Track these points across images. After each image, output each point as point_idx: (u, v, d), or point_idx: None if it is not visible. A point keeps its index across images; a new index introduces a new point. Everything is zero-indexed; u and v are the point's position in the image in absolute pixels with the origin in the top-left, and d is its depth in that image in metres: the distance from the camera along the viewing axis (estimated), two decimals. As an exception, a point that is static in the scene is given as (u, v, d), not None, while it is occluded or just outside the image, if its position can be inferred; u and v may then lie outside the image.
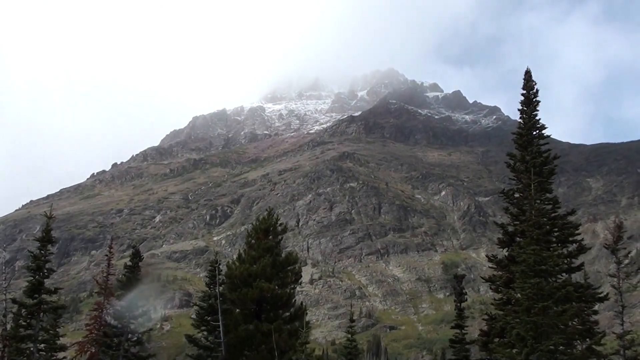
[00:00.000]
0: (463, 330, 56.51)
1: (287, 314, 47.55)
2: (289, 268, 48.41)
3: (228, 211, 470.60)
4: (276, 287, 46.23)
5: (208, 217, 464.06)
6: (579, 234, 48.11)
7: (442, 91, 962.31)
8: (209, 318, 45.06)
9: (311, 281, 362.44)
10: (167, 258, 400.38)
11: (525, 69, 51.08)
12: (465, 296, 58.07)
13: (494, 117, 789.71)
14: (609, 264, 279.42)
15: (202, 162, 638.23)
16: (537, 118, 49.98)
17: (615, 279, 55.93)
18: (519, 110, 50.80)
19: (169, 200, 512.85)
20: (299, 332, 40.38)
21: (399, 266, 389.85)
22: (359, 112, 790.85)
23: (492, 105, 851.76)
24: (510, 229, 49.42)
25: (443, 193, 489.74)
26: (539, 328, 36.56)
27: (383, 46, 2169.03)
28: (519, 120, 51.36)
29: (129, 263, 50.40)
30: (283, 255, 48.24)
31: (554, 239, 47.15)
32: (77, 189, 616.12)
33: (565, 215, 48.50)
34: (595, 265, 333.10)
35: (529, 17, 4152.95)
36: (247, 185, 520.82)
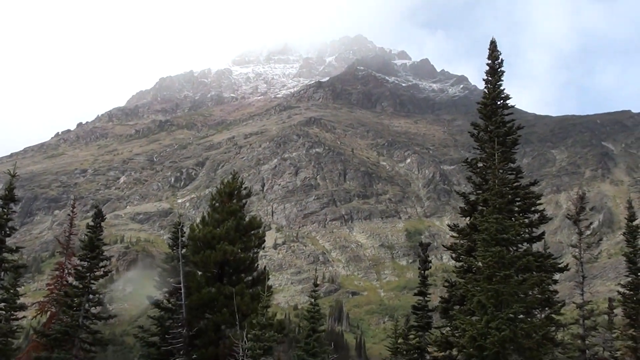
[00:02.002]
0: (426, 298, 56.99)
1: (250, 277, 47.59)
2: (252, 232, 48.38)
3: (193, 174, 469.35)
4: (239, 251, 46.15)
5: (173, 179, 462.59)
6: (540, 204, 48.43)
7: (410, 59, 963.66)
8: (171, 280, 45.00)
9: (275, 246, 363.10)
10: (130, 219, 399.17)
11: (491, 39, 51.13)
12: (430, 264, 58.41)
13: (461, 86, 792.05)
14: (571, 234, 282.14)
15: (167, 124, 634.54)
16: (501, 88, 49.93)
17: (576, 250, 56.57)
18: (484, 80, 50.80)
19: (133, 162, 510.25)
20: (261, 296, 40.43)
21: (363, 232, 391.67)
22: (327, 78, 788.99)
23: (460, 74, 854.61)
24: (472, 198, 49.60)
25: (408, 161, 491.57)
26: (500, 296, 36.82)
27: (354, 11, 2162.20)
28: (484, 90, 51.48)
29: (91, 223, 50.07)
30: (247, 219, 48.26)
31: (516, 209, 47.47)
32: (42, 148, 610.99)
33: (528, 185, 48.75)
34: (558, 235, 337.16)
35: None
36: (213, 148, 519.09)
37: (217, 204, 48.49)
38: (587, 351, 53.71)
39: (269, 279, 47.59)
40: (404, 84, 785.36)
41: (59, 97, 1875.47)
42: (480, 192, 47.95)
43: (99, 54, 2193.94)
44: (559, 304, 43.50)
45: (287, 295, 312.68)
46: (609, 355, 58.34)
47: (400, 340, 59.21)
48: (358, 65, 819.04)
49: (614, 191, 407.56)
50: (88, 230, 49.66)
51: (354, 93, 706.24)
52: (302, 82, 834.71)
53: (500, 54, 50.73)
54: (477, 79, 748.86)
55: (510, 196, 46.46)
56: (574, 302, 57.35)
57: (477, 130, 50.65)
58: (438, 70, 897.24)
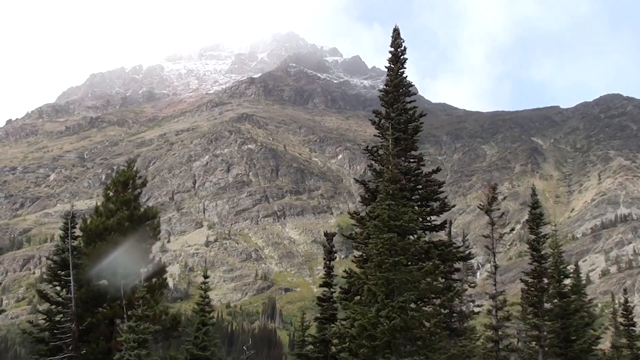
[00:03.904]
0: (331, 289, 56.48)
1: (144, 270, 46.31)
2: (147, 222, 46.89)
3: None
4: (133, 243, 44.87)
5: (104, 177, 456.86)
6: (442, 191, 48.02)
7: (341, 56, 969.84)
8: (61, 272, 43.47)
9: (207, 243, 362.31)
10: (60, 217, 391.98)
11: (394, 26, 50.53)
12: (335, 254, 57.90)
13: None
14: (502, 227, 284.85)
15: (98, 121, 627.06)
16: (404, 76, 49.49)
17: (489, 240, 56.73)
18: (386, 67, 50.25)
19: (64, 159, 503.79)
20: (155, 289, 39.30)
21: (295, 228, 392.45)
22: (259, 74, 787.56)
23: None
24: (372, 186, 49.13)
25: (340, 157, 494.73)
26: (391, 284, 36.17)
27: (287, 8, 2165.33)
28: (387, 77, 50.90)
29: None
30: (142, 209, 46.90)
31: (418, 197, 46.98)
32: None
33: (430, 173, 48.29)
34: (487, 229, 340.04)
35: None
36: (144, 145, 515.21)
37: (111, 194, 47.00)
38: (499, 342, 53.58)
39: (166, 272, 46.40)
40: (335, 81, 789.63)
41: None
42: (381, 179, 47.37)
43: (29, 50, 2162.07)
44: (453, 293, 42.88)
45: (219, 293, 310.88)
46: (523, 346, 58.44)
47: (307, 333, 58.68)
48: (290, 62, 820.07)
49: (543, 186, 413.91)
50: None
51: (285, 90, 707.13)
52: (234, 79, 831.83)
53: (404, 41, 50.17)
54: (411, 75, 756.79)
55: (412, 184, 46.04)
56: (486, 292, 57.24)
57: (379, 118, 50.04)
58: (369, 66, 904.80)
